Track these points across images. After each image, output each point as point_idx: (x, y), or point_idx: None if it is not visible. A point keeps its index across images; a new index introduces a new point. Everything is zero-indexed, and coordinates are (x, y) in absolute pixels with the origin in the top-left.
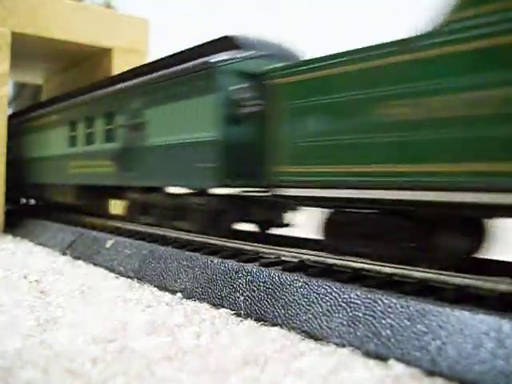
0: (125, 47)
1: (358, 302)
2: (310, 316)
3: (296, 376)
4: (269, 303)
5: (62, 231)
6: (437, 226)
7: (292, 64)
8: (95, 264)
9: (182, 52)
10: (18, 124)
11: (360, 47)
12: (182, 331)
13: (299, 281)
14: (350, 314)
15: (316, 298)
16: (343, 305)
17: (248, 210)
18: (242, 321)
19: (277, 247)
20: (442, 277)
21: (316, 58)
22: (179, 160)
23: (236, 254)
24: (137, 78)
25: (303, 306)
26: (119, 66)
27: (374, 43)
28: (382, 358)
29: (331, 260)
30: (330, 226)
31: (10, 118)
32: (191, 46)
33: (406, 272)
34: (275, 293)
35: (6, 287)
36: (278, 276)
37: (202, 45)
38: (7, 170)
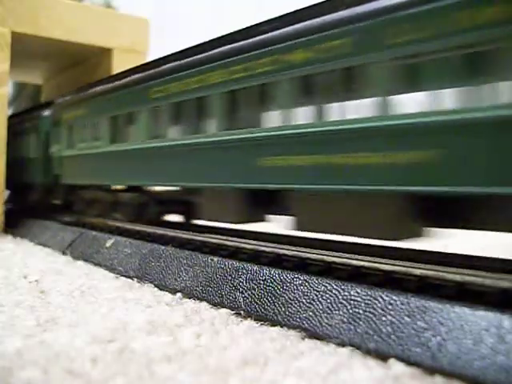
0: (125, 47)
1: (359, 299)
2: (311, 313)
3: (296, 376)
4: (269, 301)
5: (62, 231)
6: None
7: None
8: (95, 264)
9: None
10: None
11: None
12: (182, 331)
13: (299, 278)
14: (351, 311)
15: (316, 295)
16: (343, 302)
17: None
18: (241, 321)
19: (277, 245)
20: (442, 273)
21: None
22: None
23: (236, 253)
24: None
25: (303, 303)
26: (119, 66)
27: None
28: (382, 355)
29: (331, 258)
30: None
31: None
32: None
33: (406, 269)
34: (275, 291)
35: (6, 287)
36: (278, 274)
37: None
38: None
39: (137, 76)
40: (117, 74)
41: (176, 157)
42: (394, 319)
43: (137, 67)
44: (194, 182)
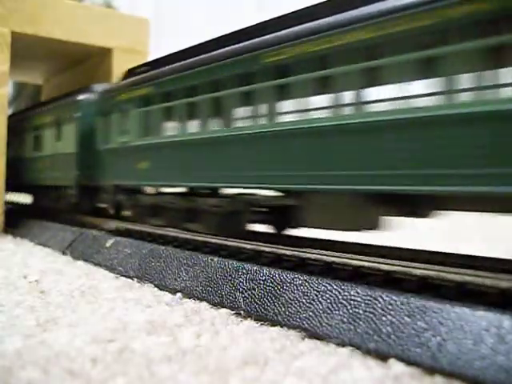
0: (125, 47)
1: (359, 299)
2: (311, 313)
3: (296, 376)
4: (269, 301)
5: (62, 231)
6: None
7: None
8: (95, 264)
9: None
10: None
11: None
12: (182, 331)
13: (299, 279)
14: (351, 311)
15: (316, 295)
16: (343, 302)
17: None
18: (241, 321)
19: (277, 246)
20: (442, 274)
21: None
22: None
23: (236, 253)
24: None
25: (303, 303)
26: (119, 66)
27: None
28: (382, 355)
29: (331, 258)
30: None
31: None
32: None
33: (406, 269)
34: (275, 291)
35: (6, 287)
36: (279, 274)
37: None
38: None
39: None
40: None
41: None
42: (394, 319)
43: None
44: None
